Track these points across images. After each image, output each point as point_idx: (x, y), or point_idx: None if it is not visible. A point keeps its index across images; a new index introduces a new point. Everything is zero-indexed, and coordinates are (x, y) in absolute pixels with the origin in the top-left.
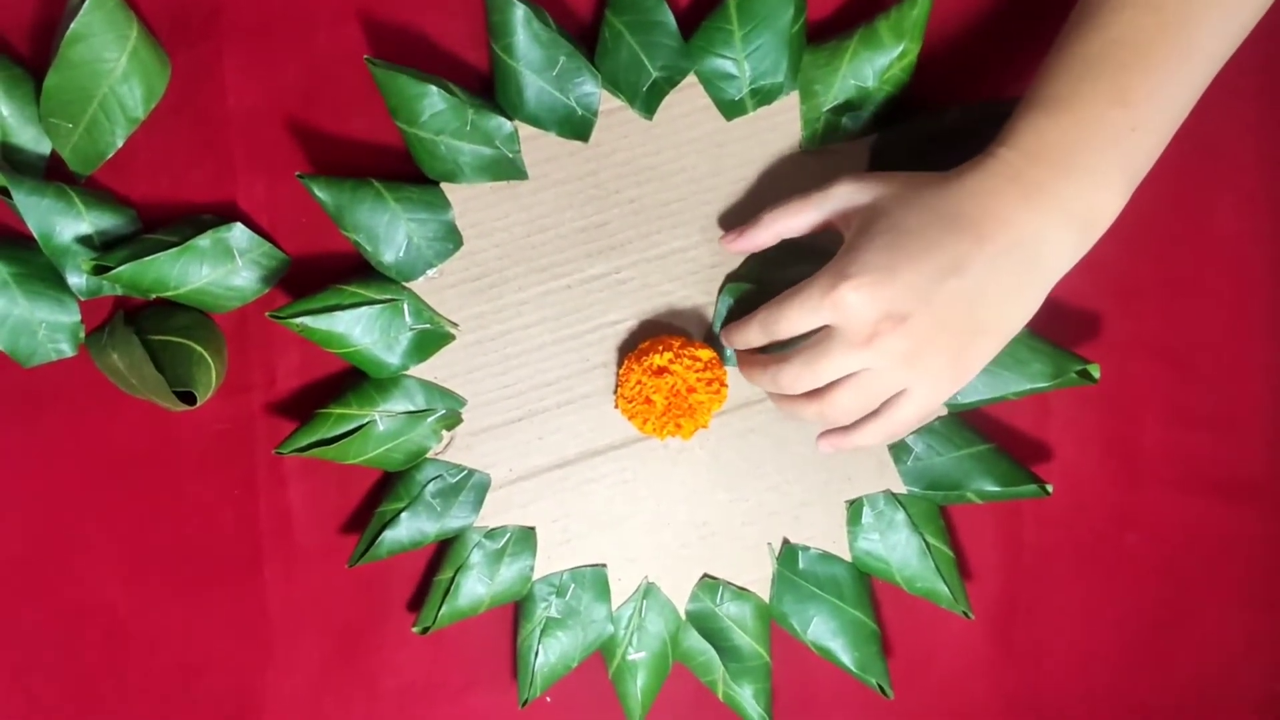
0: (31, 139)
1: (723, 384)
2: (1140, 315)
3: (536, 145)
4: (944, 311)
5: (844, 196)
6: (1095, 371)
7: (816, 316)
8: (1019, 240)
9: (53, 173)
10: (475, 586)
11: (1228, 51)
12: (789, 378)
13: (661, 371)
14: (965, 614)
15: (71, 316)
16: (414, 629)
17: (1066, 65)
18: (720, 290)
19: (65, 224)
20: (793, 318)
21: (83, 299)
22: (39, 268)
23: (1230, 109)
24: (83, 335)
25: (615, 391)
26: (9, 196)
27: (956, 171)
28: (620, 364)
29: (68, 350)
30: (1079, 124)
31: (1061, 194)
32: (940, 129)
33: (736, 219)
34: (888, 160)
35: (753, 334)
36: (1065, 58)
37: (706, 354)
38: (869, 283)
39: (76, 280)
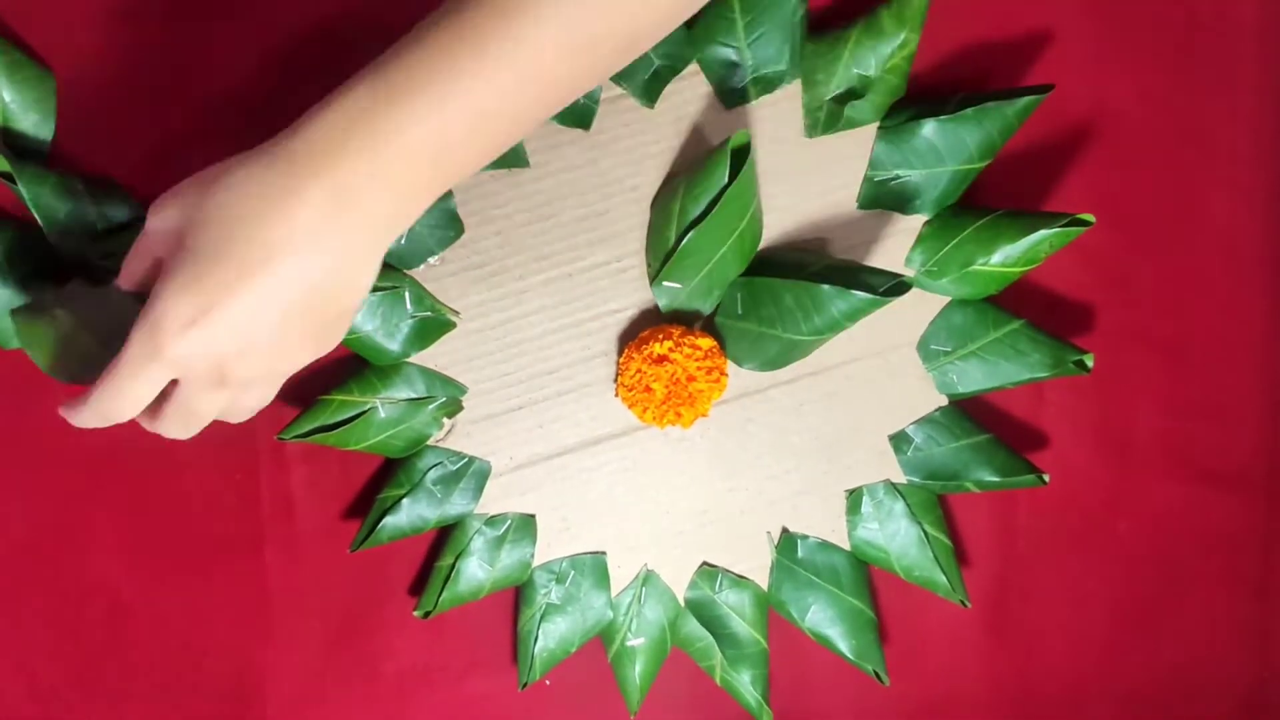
0: (33, 125)
1: (723, 373)
2: (1134, 305)
3: (537, 133)
4: (279, 320)
5: (152, 234)
6: (1089, 361)
7: (156, 380)
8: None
9: (54, 159)
10: (475, 572)
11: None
12: (174, 431)
13: (662, 360)
14: (963, 603)
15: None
16: (415, 613)
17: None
18: None
19: (69, 211)
20: (131, 393)
21: None
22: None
23: (1226, 101)
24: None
25: (616, 380)
26: (13, 182)
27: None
28: (621, 353)
29: None
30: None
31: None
32: (940, 114)
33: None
34: (890, 148)
35: (89, 418)
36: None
37: (707, 343)
38: (188, 325)
39: None
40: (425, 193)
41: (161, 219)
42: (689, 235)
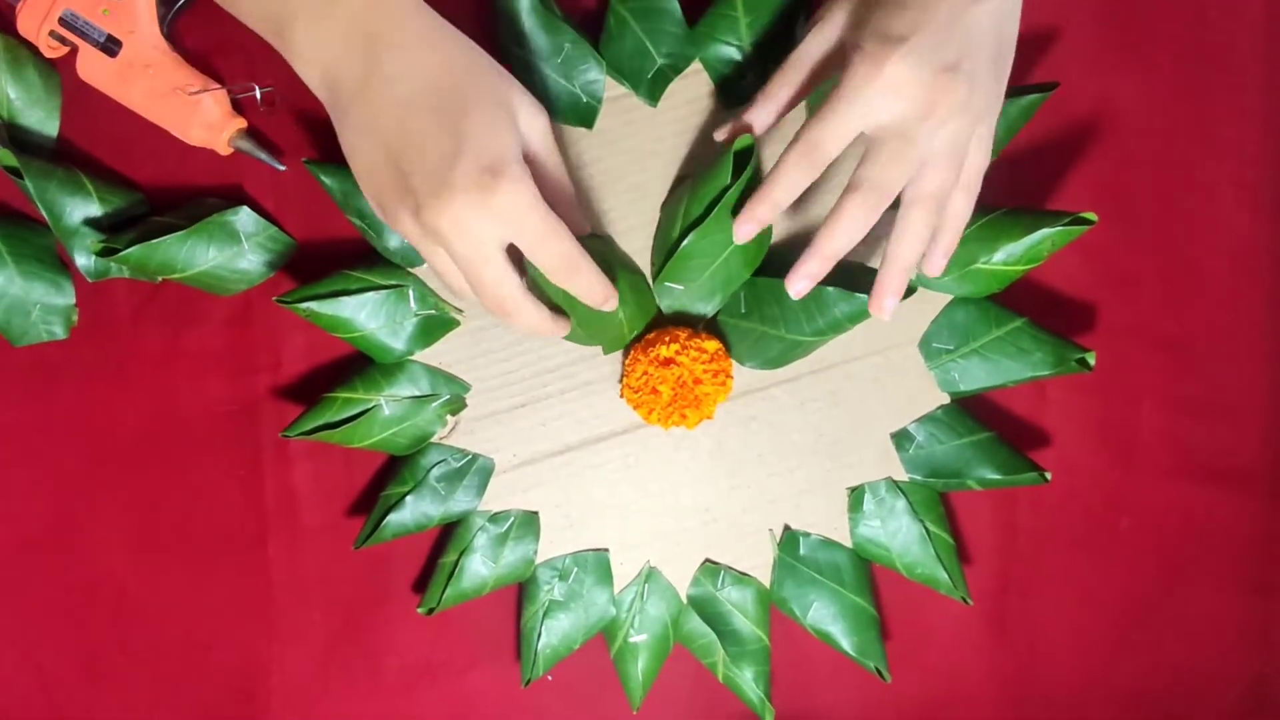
0: (39, 120)
1: (728, 375)
2: (1137, 303)
3: None
4: (981, 38)
5: (819, 38)
6: (1091, 359)
7: (868, 111)
8: None
9: (60, 155)
10: (479, 569)
11: None
12: (871, 199)
13: (668, 362)
14: (964, 600)
15: (66, 299)
16: (419, 610)
17: None
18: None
19: (75, 206)
20: (842, 125)
21: (90, 280)
22: (38, 248)
23: (1229, 99)
24: (75, 319)
25: (620, 380)
26: (20, 177)
27: None
28: (626, 352)
29: (59, 333)
30: None
31: None
32: None
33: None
34: None
35: (787, 183)
36: None
37: (713, 345)
38: (906, 47)
39: (84, 261)
40: None
41: (828, 24)
42: (690, 236)
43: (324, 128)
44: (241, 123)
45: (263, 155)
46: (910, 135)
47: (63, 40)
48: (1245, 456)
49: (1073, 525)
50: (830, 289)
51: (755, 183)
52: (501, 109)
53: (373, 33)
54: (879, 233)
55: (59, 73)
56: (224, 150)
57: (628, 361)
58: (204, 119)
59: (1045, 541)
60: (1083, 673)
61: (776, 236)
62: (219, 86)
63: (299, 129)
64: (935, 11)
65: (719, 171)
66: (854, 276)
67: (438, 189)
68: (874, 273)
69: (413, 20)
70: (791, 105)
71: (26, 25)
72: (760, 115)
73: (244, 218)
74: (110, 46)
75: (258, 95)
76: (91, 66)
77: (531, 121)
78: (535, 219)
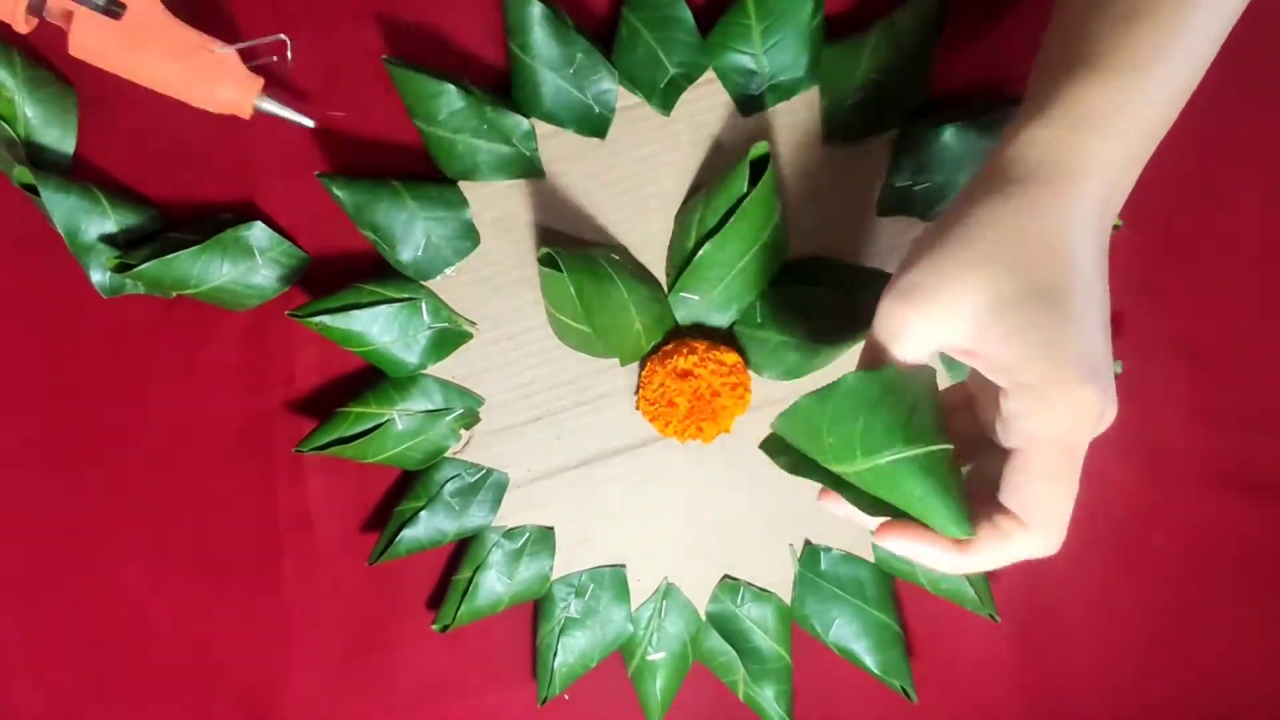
0: (56, 139)
1: (746, 389)
2: (1165, 312)
3: (554, 143)
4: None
5: (922, 334)
6: (1118, 367)
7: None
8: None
9: (76, 172)
10: (494, 585)
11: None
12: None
13: (686, 375)
14: (992, 616)
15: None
16: (433, 627)
17: (1096, 25)
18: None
19: (90, 222)
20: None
21: (105, 296)
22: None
23: (1254, 105)
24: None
25: (636, 393)
26: (36, 194)
27: (1000, 166)
28: (642, 364)
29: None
30: (1120, 86)
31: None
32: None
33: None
34: (910, 154)
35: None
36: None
37: (731, 358)
38: (1096, 381)
39: (99, 278)
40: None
41: (947, 314)
42: (705, 246)
43: (335, 141)
44: (260, 81)
45: (290, 114)
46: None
47: (39, 12)
48: (1276, 467)
49: (1102, 539)
50: (848, 298)
51: (771, 192)
52: None
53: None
54: (873, 247)
55: (76, 92)
56: (248, 114)
57: (644, 373)
58: (227, 81)
59: (1073, 556)
60: (1113, 691)
61: (792, 244)
62: (242, 43)
63: (311, 143)
64: (1094, 321)
65: (734, 180)
66: (872, 283)
67: None
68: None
69: None
70: None
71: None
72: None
73: (257, 232)
74: (113, 9)
75: (289, 51)
76: (89, 38)
77: None
78: None
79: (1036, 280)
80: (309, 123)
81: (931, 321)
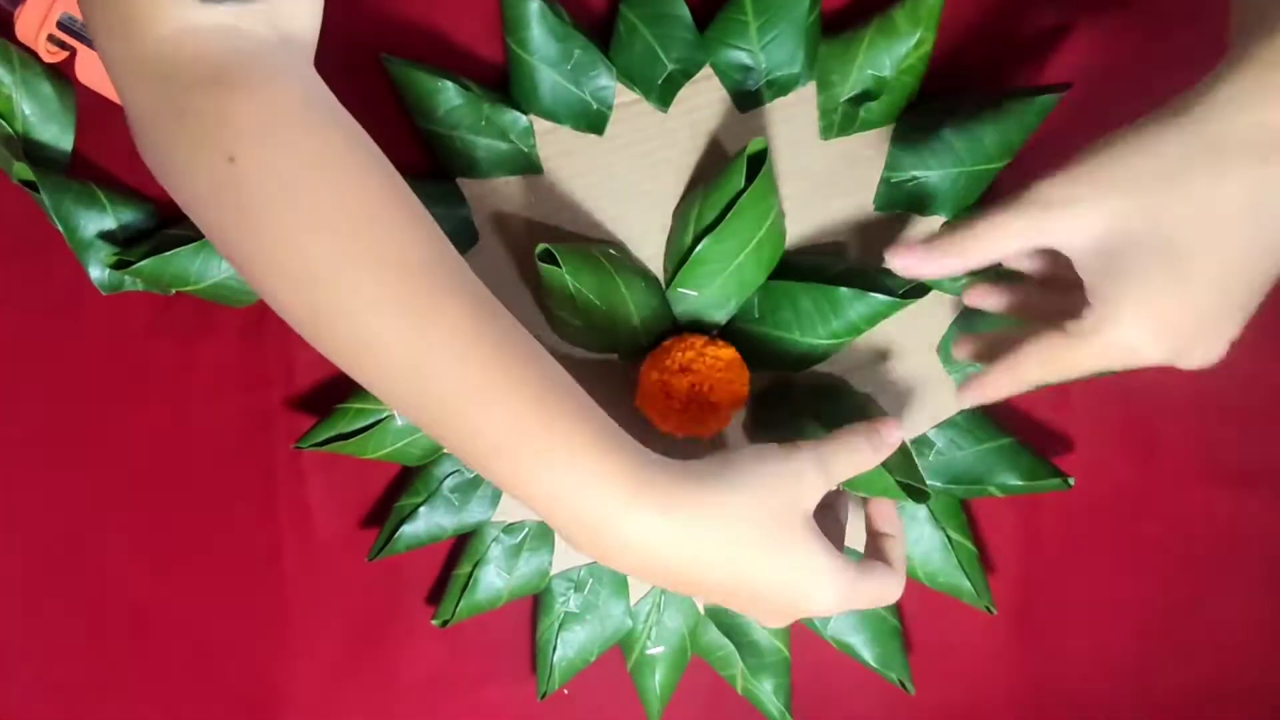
0: (54, 135)
1: (744, 384)
2: None
3: (552, 139)
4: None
5: (1063, 228)
6: None
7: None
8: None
9: (75, 169)
10: (493, 580)
11: None
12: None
13: (684, 370)
14: (988, 609)
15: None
16: (433, 622)
17: None
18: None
19: (89, 219)
20: (1073, 372)
21: (104, 293)
22: None
23: None
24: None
25: (635, 387)
26: (36, 191)
27: (1192, 105)
28: (640, 359)
29: None
30: None
31: None
32: (956, 114)
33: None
34: (907, 149)
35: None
36: None
37: (728, 354)
38: (1189, 343)
39: (98, 274)
40: None
41: (1077, 225)
42: (703, 242)
43: None
44: None
45: None
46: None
47: (61, 45)
48: (1273, 459)
49: (1098, 531)
50: (843, 289)
51: (769, 188)
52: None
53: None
54: (870, 242)
55: (74, 89)
56: None
57: (643, 368)
58: None
59: (1070, 548)
60: (1110, 682)
61: (789, 241)
62: None
63: None
64: (1207, 298)
65: (732, 176)
66: (869, 278)
67: (769, 622)
68: (892, 274)
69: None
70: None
71: (25, 30)
72: (943, 260)
73: None
74: None
75: None
76: (90, 69)
77: (815, 493)
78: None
79: (1165, 232)
80: None
81: (1064, 219)
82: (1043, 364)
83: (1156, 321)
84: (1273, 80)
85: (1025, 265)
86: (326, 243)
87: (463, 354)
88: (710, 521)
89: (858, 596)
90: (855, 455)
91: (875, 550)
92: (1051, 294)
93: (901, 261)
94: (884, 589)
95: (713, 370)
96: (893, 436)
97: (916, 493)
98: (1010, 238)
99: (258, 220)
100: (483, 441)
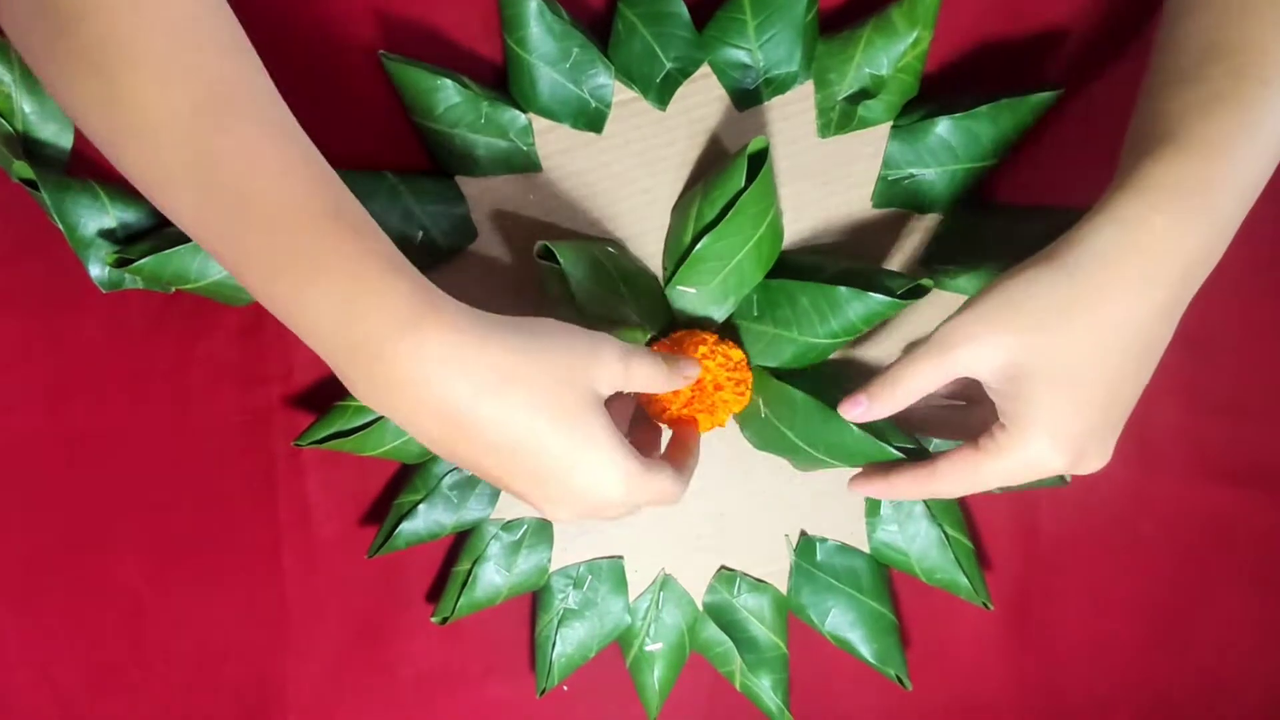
0: (54, 133)
1: (748, 386)
2: None
3: (550, 137)
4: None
5: (968, 362)
6: None
7: (1011, 479)
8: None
9: (75, 167)
10: (493, 577)
11: None
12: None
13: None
14: (985, 605)
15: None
16: (432, 619)
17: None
18: None
19: (90, 217)
20: (978, 486)
21: (104, 291)
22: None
23: None
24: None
25: None
26: (36, 189)
27: (1073, 253)
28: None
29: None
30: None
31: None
32: (953, 112)
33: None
34: (904, 146)
35: (898, 492)
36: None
37: (738, 354)
38: (1081, 449)
39: (98, 273)
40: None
41: (980, 358)
42: (703, 240)
43: (332, 135)
44: None
45: None
46: (1016, 480)
47: None
48: (1268, 456)
49: (1093, 528)
50: (842, 289)
51: (769, 187)
52: (583, 440)
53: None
54: (868, 239)
55: None
56: None
57: None
58: None
59: (1066, 545)
60: (1105, 678)
61: (788, 240)
62: None
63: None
64: (1103, 407)
65: (732, 174)
66: (868, 277)
67: (548, 511)
68: (891, 274)
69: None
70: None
71: None
72: (881, 405)
73: None
74: None
75: None
76: None
77: (612, 379)
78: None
79: (1058, 365)
80: None
81: (969, 357)
82: (955, 476)
83: (1060, 439)
84: (1136, 239)
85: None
86: (125, 52)
87: (252, 167)
88: (498, 370)
89: (643, 490)
90: (656, 370)
91: (669, 454)
92: (960, 411)
93: (851, 414)
94: (666, 489)
95: (722, 369)
96: (691, 371)
97: (918, 452)
98: (928, 375)
99: (63, 36)
100: (265, 259)
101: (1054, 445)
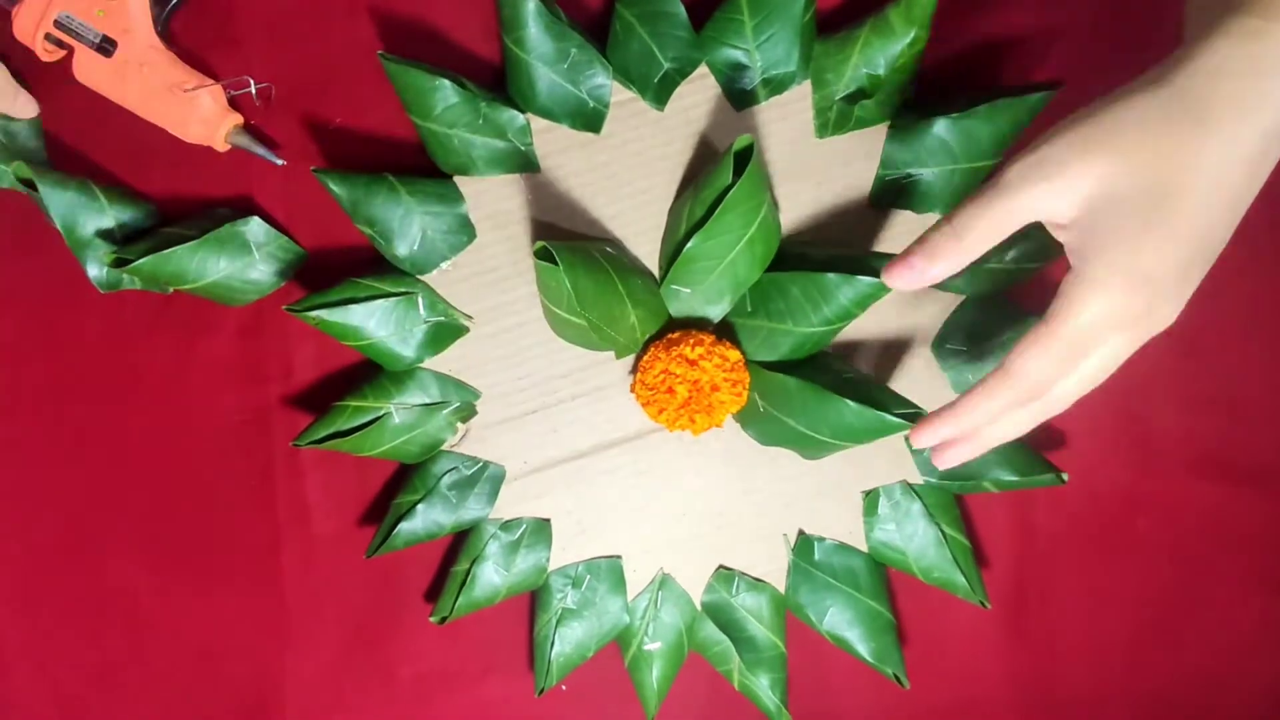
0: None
1: (745, 387)
2: None
3: (549, 137)
4: (1209, 262)
5: (1050, 199)
6: None
7: (1086, 346)
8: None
9: (73, 167)
10: (491, 577)
11: None
12: (1023, 395)
13: (692, 364)
14: (982, 604)
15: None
16: (431, 619)
17: None
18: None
19: (88, 217)
20: (1057, 364)
21: (103, 291)
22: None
23: None
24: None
25: (634, 374)
26: (34, 189)
27: (1172, 74)
28: (643, 349)
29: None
30: None
31: None
32: (950, 112)
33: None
34: (902, 146)
35: (981, 413)
36: None
37: (734, 355)
38: (1151, 292)
39: (97, 273)
40: None
41: (1066, 190)
42: (693, 239)
43: (332, 136)
44: (238, 118)
45: (260, 150)
46: (1091, 348)
47: (59, 43)
48: (1263, 454)
49: (1090, 527)
50: (831, 275)
51: (757, 184)
52: None
53: None
54: (865, 239)
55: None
56: (221, 147)
57: (645, 358)
58: (200, 115)
59: (1063, 543)
60: (1102, 675)
61: (784, 237)
62: (214, 83)
63: (308, 138)
64: (1186, 248)
65: (720, 173)
66: (855, 261)
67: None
68: (879, 256)
69: None
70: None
71: (23, 28)
72: (943, 262)
73: (254, 228)
74: (105, 47)
75: (253, 91)
76: (87, 68)
77: None
78: None
79: (1152, 185)
80: (278, 161)
81: (1049, 192)
82: (1027, 366)
83: (1136, 278)
84: (1250, 51)
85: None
86: None
87: None
88: None
89: None
90: None
91: None
92: None
93: (900, 277)
94: None
95: (719, 369)
96: None
97: (917, 416)
98: (999, 219)
99: None
100: None
101: (1128, 285)
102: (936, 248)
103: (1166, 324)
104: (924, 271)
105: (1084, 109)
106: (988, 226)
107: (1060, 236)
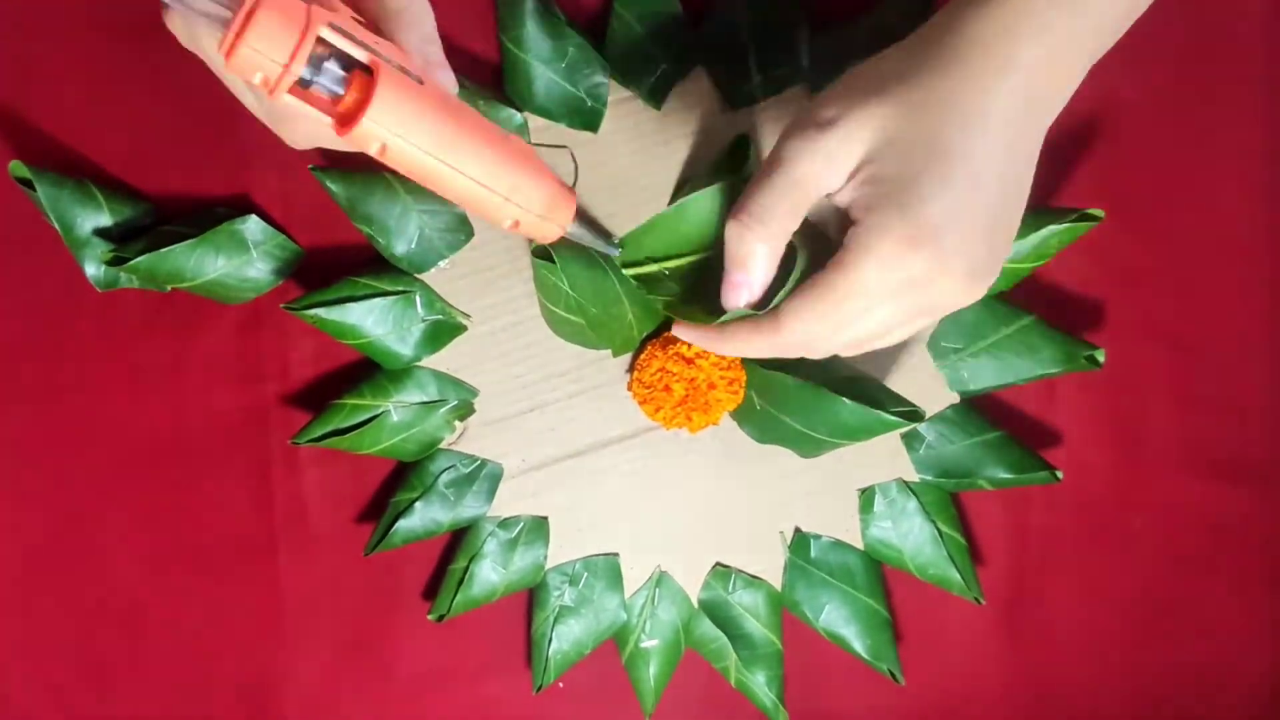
0: None
1: (742, 385)
2: (1145, 300)
3: (546, 136)
4: (1011, 233)
5: (817, 162)
6: (1100, 356)
7: (870, 304)
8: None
9: (71, 166)
10: (489, 575)
11: None
12: (779, 346)
13: (689, 362)
14: (977, 600)
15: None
16: (429, 616)
17: None
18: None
19: (85, 216)
20: (832, 324)
21: (100, 290)
22: None
23: (1232, 95)
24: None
25: (630, 372)
26: (32, 188)
27: (942, 36)
28: (641, 347)
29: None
30: None
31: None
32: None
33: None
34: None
35: (738, 350)
36: None
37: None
38: (939, 245)
39: (94, 271)
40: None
41: (842, 142)
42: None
43: None
44: (574, 197)
45: (599, 244)
46: (863, 312)
47: (306, 83)
48: (1257, 451)
49: (1085, 524)
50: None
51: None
52: None
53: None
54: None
55: None
56: (552, 238)
57: (642, 356)
58: (551, 194)
59: (1058, 541)
60: (1097, 672)
61: None
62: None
63: None
64: (959, 203)
65: (716, 172)
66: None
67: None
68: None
69: None
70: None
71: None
72: (748, 283)
73: (252, 226)
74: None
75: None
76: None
77: None
78: None
79: (914, 140)
80: (615, 251)
81: (824, 154)
82: (799, 314)
83: (904, 229)
84: (1027, 25)
85: None
86: None
87: None
88: None
89: None
90: None
91: None
92: None
93: (737, 298)
94: None
95: (715, 368)
96: None
97: (914, 414)
98: (798, 188)
99: None
100: None
101: (902, 241)
102: (749, 252)
103: (957, 297)
104: (751, 283)
105: (850, 72)
106: (788, 208)
107: (839, 201)
